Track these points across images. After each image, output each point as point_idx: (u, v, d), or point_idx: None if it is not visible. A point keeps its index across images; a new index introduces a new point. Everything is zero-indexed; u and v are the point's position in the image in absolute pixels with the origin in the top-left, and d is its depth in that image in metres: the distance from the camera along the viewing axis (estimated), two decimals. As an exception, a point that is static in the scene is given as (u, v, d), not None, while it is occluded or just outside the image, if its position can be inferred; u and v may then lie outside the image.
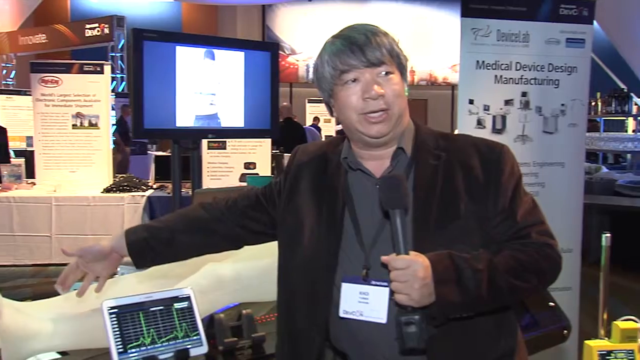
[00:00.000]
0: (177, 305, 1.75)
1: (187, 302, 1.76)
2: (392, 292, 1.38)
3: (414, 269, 1.34)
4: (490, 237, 1.49)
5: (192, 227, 1.77)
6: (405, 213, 1.38)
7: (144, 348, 1.65)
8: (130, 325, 1.66)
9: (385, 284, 1.44)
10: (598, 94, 8.30)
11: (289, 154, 6.28)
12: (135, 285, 2.10)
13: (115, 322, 1.64)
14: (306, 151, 1.73)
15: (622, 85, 9.22)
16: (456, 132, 3.75)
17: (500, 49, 3.75)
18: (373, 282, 1.47)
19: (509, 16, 3.76)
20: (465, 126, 3.75)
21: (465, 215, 1.47)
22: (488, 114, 3.81)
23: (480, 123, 3.78)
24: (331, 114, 1.62)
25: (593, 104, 8.30)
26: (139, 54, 3.67)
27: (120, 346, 1.62)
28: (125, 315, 1.67)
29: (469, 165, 1.52)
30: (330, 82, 1.53)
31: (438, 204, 1.48)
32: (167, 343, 1.69)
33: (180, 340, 1.70)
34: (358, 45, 1.47)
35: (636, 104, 8.49)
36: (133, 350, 1.63)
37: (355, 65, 1.47)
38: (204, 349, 1.72)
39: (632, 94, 8.17)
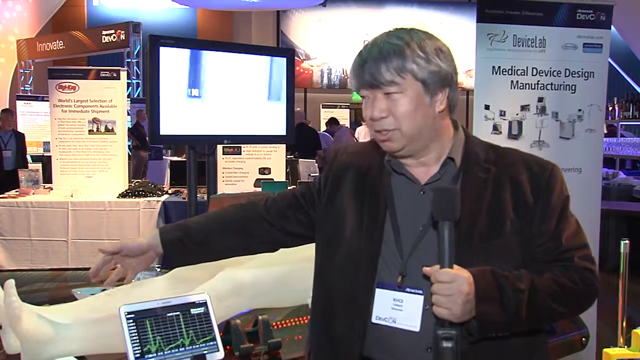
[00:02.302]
0: (193, 311, 1.75)
1: (203, 308, 1.76)
2: (427, 301, 1.37)
3: (459, 283, 1.30)
4: (532, 256, 1.46)
5: (228, 228, 1.74)
6: (454, 226, 1.34)
7: (161, 353, 1.66)
8: (147, 331, 1.67)
9: (421, 292, 1.43)
10: (615, 99, 8.24)
11: (304, 160, 6.29)
12: (153, 290, 2.11)
13: (132, 328, 1.65)
14: (347, 151, 1.70)
15: (640, 90, 9.15)
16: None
17: (517, 54, 3.74)
18: (408, 290, 1.45)
19: (525, 21, 3.74)
20: (481, 132, 3.73)
21: (509, 232, 1.45)
22: (504, 119, 3.80)
23: (496, 128, 3.76)
24: None
25: (610, 109, 8.24)
26: (155, 60, 3.69)
27: (138, 351, 1.63)
28: (142, 320, 1.67)
29: (518, 181, 1.49)
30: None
31: (483, 219, 1.46)
32: (183, 349, 1.69)
33: (197, 346, 1.71)
34: (362, 66, 1.45)
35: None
36: (150, 355, 1.64)
37: (359, 85, 1.48)
38: (220, 354, 1.72)
39: (650, 99, 8.11)
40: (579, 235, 1.50)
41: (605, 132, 9.71)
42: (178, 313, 1.73)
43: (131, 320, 1.66)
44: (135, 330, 1.65)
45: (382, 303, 1.47)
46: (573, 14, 3.82)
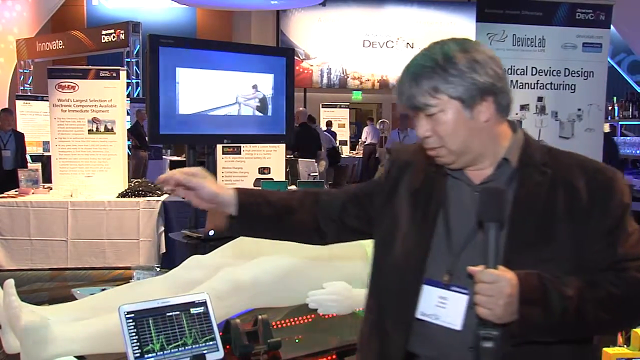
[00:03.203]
0: (193, 311, 1.76)
1: (203, 307, 1.77)
2: (471, 301, 1.37)
3: (501, 284, 1.30)
4: (584, 263, 1.44)
5: (297, 211, 1.73)
6: (500, 227, 1.34)
7: (161, 353, 1.66)
8: (147, 330, 1.67)
9: (466, 291, 1.43)
10: (615, 99, 8.23)
11: (304, 159, 6.29)
12: (153, 290, 2.12)
13: (132, 327, 1.65)
14: (407, 150, 1.71)
15: (640, 90, 9.15)
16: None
17: (516, 54, 3.74)
18: (453, 288, 1.46)
19: (525, 21, 3.75)
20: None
21: (561, 237, 1.43)
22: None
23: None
24: None
25: (610, 108, 8.23)
26: (155, 60, 3.69)
27: (137, 351, 1.63)
28: (142, 320, 1.68)
29: (574, 186, 1.46)
30: None
31: (536, 222, 1.44)
32: (183, 348, 1.69)
33: (197, 346, 1.71)
34: (401, 89, 1.47)
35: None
36: (150, 355, 1.64)
37: (405, 107, 1.49)
38: (219, 354, 1.72)
39: (650, 99, 8.11)
40: (637, 246, 1.45)
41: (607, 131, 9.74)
42: (178, 312, 1.74)
43: (131, 320, 1.66)
44: (135, 330, 1.65)
45: (428, 300, 1.48)
46: (572, 14, 3.82)
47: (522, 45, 3.79)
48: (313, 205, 1.73)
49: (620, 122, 8.58)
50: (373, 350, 1.58)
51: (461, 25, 18.84)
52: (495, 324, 1.31)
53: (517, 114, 3.81)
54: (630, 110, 7.93)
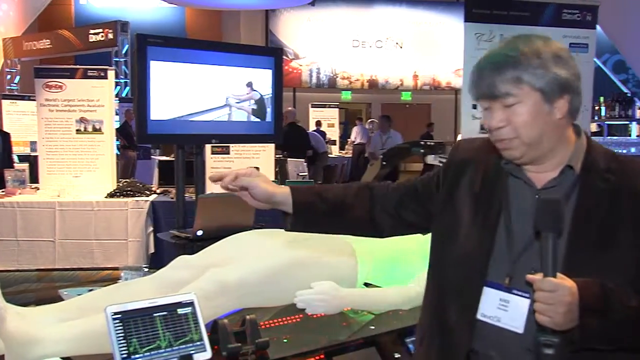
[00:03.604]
0: (180, 311, 1.74)
1: (190, 308, 1.76)
2: (532, 306, 1.37)
3: (561, 293, 1.31)
4: None
5: (354, 206, 1.74)
6: (558, 236, 1.35)
7: (148, 354, 1.65)
8: (134, 331, 1.66)
9: (527, 295, 1.43)
10: (601, 99, 8.28)
11: (293, 159, 6.27)
12: (140, 290, 2.11)
13: (119, 328, 1.64)
14: (468, 147, 1.70)
15: (626, 90, 9.19)
16: (459, 137, 3.74)
17: (504, 54, 3.76)
18: (515, 291, 1.47)
19: (512, 21, 3.76)
20: (469, 131, 3.75)
21: (624, 246, 1.43)
22: (492, 118, 3.81)
23: (483, 128, 3.78)
24: None
25: (597, 108, 8.28)
26: (143, 60, 3.68)
27: (124, 352, 1.62)
28: (128, 320, 1.66)
29: (638, 193, 1.46)
30: None
31: (598, 230, 1.44)
32: (170, 349, 1.68)
33: (184, 346, 1.70)
34: (480, 77, 1.46)
35: (639, 108, 8.47)
36: (137, 356, 1.63)
37: (478, 96, 1.48)
38: (207, 354, 1.71)
39: (635, 99, 8.15)
40: None
41: (594, 130, 9.80)
42: (165, 313, 1.72)
43: (117, 321, 1.65)
44: (122, 331, 1.64)
45: (489, 301, 1.49)
46: (559, 14, 3.85)
47: (509, 46, 3.79)
48: (368, 200, 1.74)
49: (606, 122, 8.63)
50: (437, 345, 1.60)
51: (450, 25, 18.92)
52: (555, 330, 1.32)
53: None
54: (617, 110, 7.98)
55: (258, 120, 4.35)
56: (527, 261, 1.44)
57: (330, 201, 1.72)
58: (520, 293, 1.46)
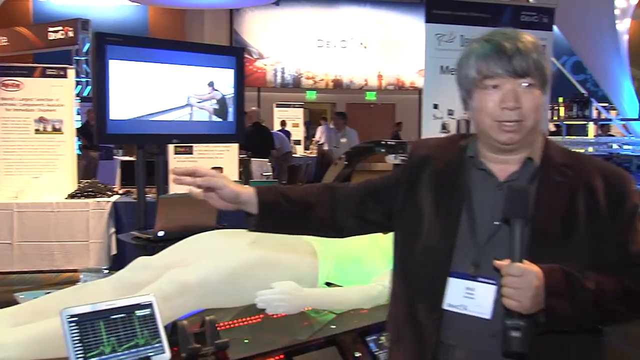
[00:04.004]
0: (138, 313, 1.73)
1: (149, 309, 1.74)
2: (499, 292, 1.43)
3: (528, 277, 1.38)
4: (600, 260, 1.51)
5: (316, 206, 1.75)
6: (526, 224, 1.42)
7: (105, 357, 1.63)
8: (91, 334, 1.63)
9: (493, 282, 1.49)
10: (560, 99, 8.43)
11: (257, 159, 6.24)
12: (98, 292, 2.07)
13: (75, 331, 1.61)
14: (425, 145, 1.75)
15: (583, 91, 9.38)
16: (423, 137, 3.78)
17: (464, 55, 3.80)
18: (480, 279, 1.52)
19: (472, 22, 3.81)
20: (430, 130, 3.79)
21: (581, 235, 1.50)
22: (452, 118, 3.87)
23: (444, 127, 3.82)
24: (465, 109, 1.63)
25: (556, 108, 8.43)
26: (102, 58, 3.63)
27: (81, 355, 1.60)
28: (85, 323, 1.64)
29: (593, 187, 1.54)
30: (471, 83, 1.54)
31: (557, 220, 1.51)
32: (128, 351, 1.67)
33: (142, 348, 1.69)
34: (506, 54, 1.48)
35: (596, 109, 8.66)
36: (94, 359, 1.61)
37: (500, 73, 1.49)
38: (166, 356, 1.70)
39: (592, 99, 8.32)
40: None
41: (552, 130, 9.98)
42: (123, 315, 1.71)
43: (74, 324, 1.62)
44: (78, 334, 1.62)
45: (455, 291, 1.53)
46: (517, 16, 3.91)
47: (470, 46, 3.84)
48: (330, 200, 1.76)
49: (565, 122, 8.79)
50: (409, 339, 1.63)
51: (413, 26, 19.04)
52: (522, 314, 1.38)
53: (465, 113, 3.84)
54: (574, 110, 8.14)
55: (220, 120, 4.33)
56: (491, 250, 1.49)
57: (295, 201, 1.73)
58: (486, 280, 1.51)
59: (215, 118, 4.29)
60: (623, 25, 10.42)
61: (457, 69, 1.60)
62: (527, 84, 1.49)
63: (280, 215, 1.72)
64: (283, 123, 14.51)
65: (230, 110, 4.32)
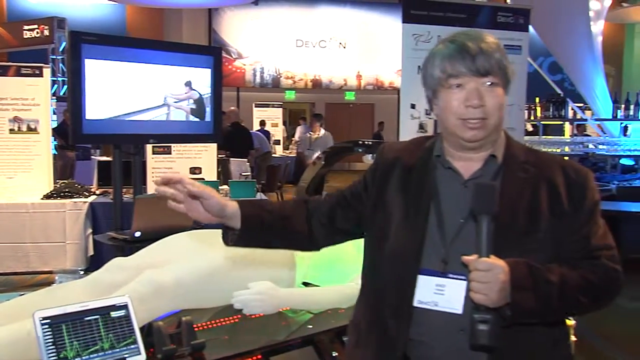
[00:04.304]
0: (113, 314, 1.71)
1: (124, 311, 1.73)
2: (468, 287, 1.47)
3: (495, 272, 1.42)
4: (563, 253, 1.56)
5: (291, 220, 1.77)
6: (492, 220, 1.46)
7: (79, 359, 1.61)
8: (65, 336, 1.61)
9: (464, 277, 1.51)
10: (537, 99, 8.51)
11: (236, 159, 6.21)
12: (72, 294, 2.05)
13: (48, 333, 1.59)
14: (393, 148, 1.78)
15: (559, 91, 9.47)
16: (401, 136, 3.79)
17: (441, 55, 3.81)
18: (450, 275, 1.55)
19: (449, 22, 3.82)
20: (408, 130, 3.80)
21: (544, 230, 1.54)
22: (430, 118, 3.88)
23: (422, 127, 3.84)
24: (430, 109, 1.69)
25: (533, 108, 8.50)
26: (77, 57, 3.59)
27: (54, 357, 1.58)
28: (58, 325, 1.62)
29: (554, 183, 1.58)
30: (436, 83, 1.59)
31: (521, 215, 1.55)
32: (103, 353, 1.65)
33: (118, 350, 1.67)
34: (470, 53, 1.52)
35: (572, 109, 8.75)
36: (67, 361, 1.59)
37: (464, 72, 1.53)
38: (141, 357, 1.69)
39: (568, 99, 8.41)
40: (606, 237, 1.61)
41: (530, 130, 10.07)
42: (97, 317, 1.69)
43: (47, 326, 1.60)
44: (51, 336, 1.60)
45: (425, 288, 1.56)
46: (494, 17, 3.94)
47: (447, 47, 3.86)
48: (305, 212, 1.78)
49: (542, 122, 8.88)
50: (373, 345, 1.64)
51: (392, 27, 19.09)
52: (489, 308, 1.43)
53: (430, 112, 3.87)
54: (551, 110, 8.22)
55: (197, 119, 4.30)
56: (460, 246, 1.53)
57: (274, 214, 1.74)
58: (455, 276, 1.54)
59: (192, 118, 4.27)
60: (597, 27, 10.56)
61: (423, 69, 1.63)
62: (490, 83, 1.53)
63: (262, 228, 1.71)
64: (262, 123, 14.47)
65: (208, 109, 4.30)
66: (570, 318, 1.72)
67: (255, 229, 1.70)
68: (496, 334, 1.42)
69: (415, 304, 1.56)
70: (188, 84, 4.27)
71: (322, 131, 10.55)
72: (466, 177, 1.60)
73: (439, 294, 1.54)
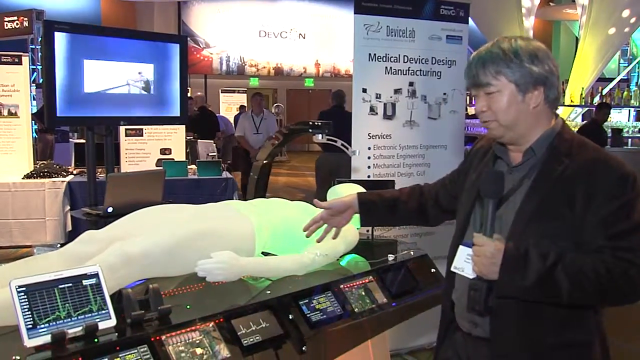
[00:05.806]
0: (85, 282, 1.68)
1: (95, 279, 1.70)
2: None
3: (486, 248, 1.53)
4: (583, 246, 1.53)
5: (409, 202, 2.09)
6: (497, 203, 1.58)
7: (54, 324, 1.58)
8: (40, 303, 1.58)
9: None
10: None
11: (203, 140, 6.17)
12: (47, 265, 2.00)
13: (24, 300, 1.56)
14: (483, 139, 1.91)
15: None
16: (354, 118, 3.78)
17: (390, 44, 3.81)
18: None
19: (397, 14, 3.81)
20: (360, 112, 3.80)
21: (565, 220, 1.55)
22: (380, 101, 3.87)
23: (372, 110, 3.83)
24: None
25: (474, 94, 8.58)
26: (50, 45, 3.47)
27: (30, 323, 1.54)
28: (34, 292, 1.59)
29: (586, 177, 1.55)
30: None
31: (547, 203, 1.57)
32: (76, 318, 1.62)
33: (89, 315, 1.64)
34: (469, 69, 1.66)
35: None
36: (42, 325, 1.56)
37: (469, 85, 1.68)
38: (112, 322, 1.67)
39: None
40: (634, 236, 1.52)
41: (468, 113, 10.17)
42: (70, 285, 1.66)
43: (22, 294, 1.57)
44: (27, 303, 1.56)
45: (460, 256, 1.66)
46: (437, 9, 3.94)
47: (395, 36, 3.86)
48: (419, 196, 2.09)
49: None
50: (445, 290, 1.88)
51: (347, 18, 19.01)
52: (481, 278, 1.55)
53: (391, 97, 3.89)
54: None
55: (165, 104, 4.22)
56: (496, 224, 1.61)
57: (388, 199, 2.10)
58: None
59: (142, 92, 4.19)
60: (529, 22, 10.73)
61: None
62: (487, 93, 1.62)
63: (376, 209, 2.09)
64: (242, 108, 14.21)
65: (172, 89, 4.22)
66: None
67: (370, 211, 2.09)
68: (485, 301, 1.53)
69: (452, 268, 1.68)
70: (140, 73, 4.18)
71: (265, 111, 8.99)
72: (513, 165, 1.70)
73: (467, 262, 1.62)
